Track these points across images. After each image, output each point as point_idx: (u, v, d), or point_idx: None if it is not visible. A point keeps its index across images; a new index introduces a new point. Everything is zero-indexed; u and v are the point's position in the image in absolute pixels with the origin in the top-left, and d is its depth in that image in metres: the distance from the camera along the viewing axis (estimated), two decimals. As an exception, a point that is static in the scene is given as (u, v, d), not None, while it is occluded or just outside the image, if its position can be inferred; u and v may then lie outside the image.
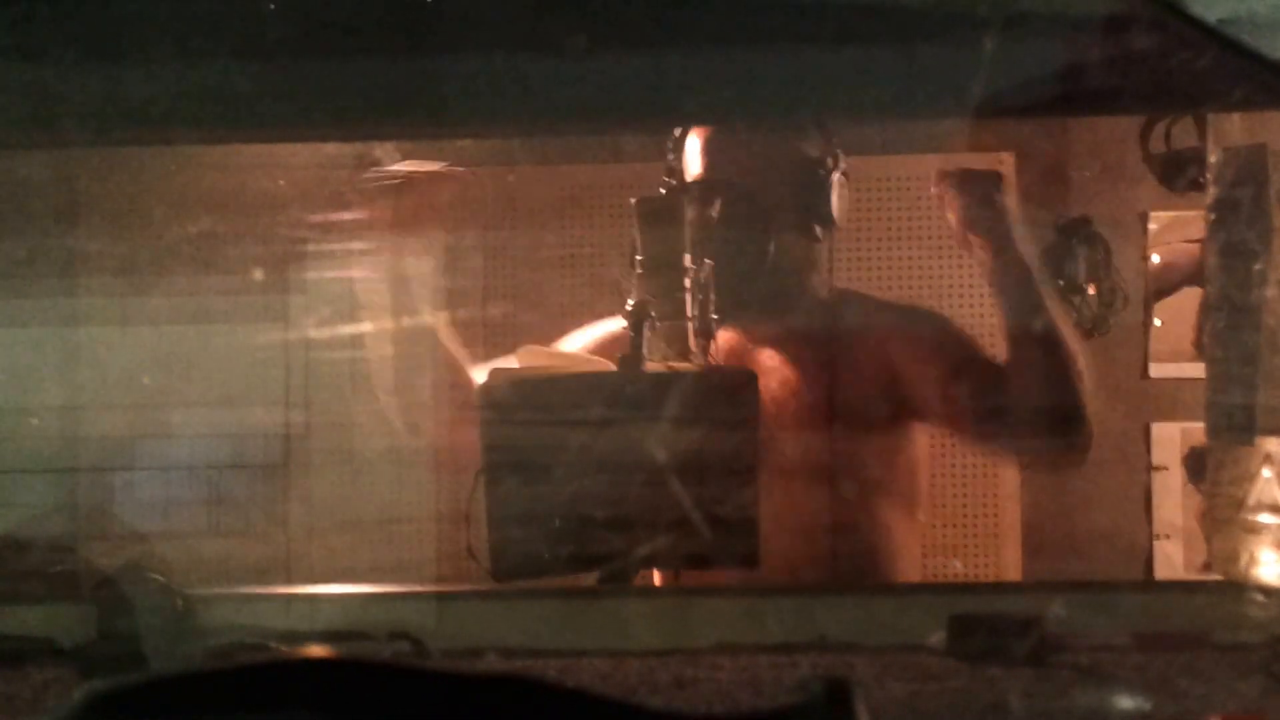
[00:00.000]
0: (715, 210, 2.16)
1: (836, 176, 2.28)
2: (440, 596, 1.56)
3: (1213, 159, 1.61)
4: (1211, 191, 1.60)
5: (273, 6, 1.50)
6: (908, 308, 2.69)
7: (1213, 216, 1.62)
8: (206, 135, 2.03)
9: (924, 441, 2.37)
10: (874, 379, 2.27)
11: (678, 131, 2.31)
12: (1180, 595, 1.70)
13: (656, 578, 2.03)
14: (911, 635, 1.42)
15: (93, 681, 0.60)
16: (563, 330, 2.43)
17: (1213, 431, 1.64)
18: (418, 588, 1.70)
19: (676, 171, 2.32)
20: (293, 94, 1.57)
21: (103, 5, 1.47)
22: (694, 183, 2.25)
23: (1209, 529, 1.68)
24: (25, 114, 1.52)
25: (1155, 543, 3.18)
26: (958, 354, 2.31)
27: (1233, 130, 1.60)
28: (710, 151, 2.26)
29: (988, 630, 1.39)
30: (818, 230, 2.29)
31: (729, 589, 1.72)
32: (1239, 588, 1.56)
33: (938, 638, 1.40)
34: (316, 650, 0.66)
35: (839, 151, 2.30)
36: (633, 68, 1.51)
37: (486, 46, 1.52)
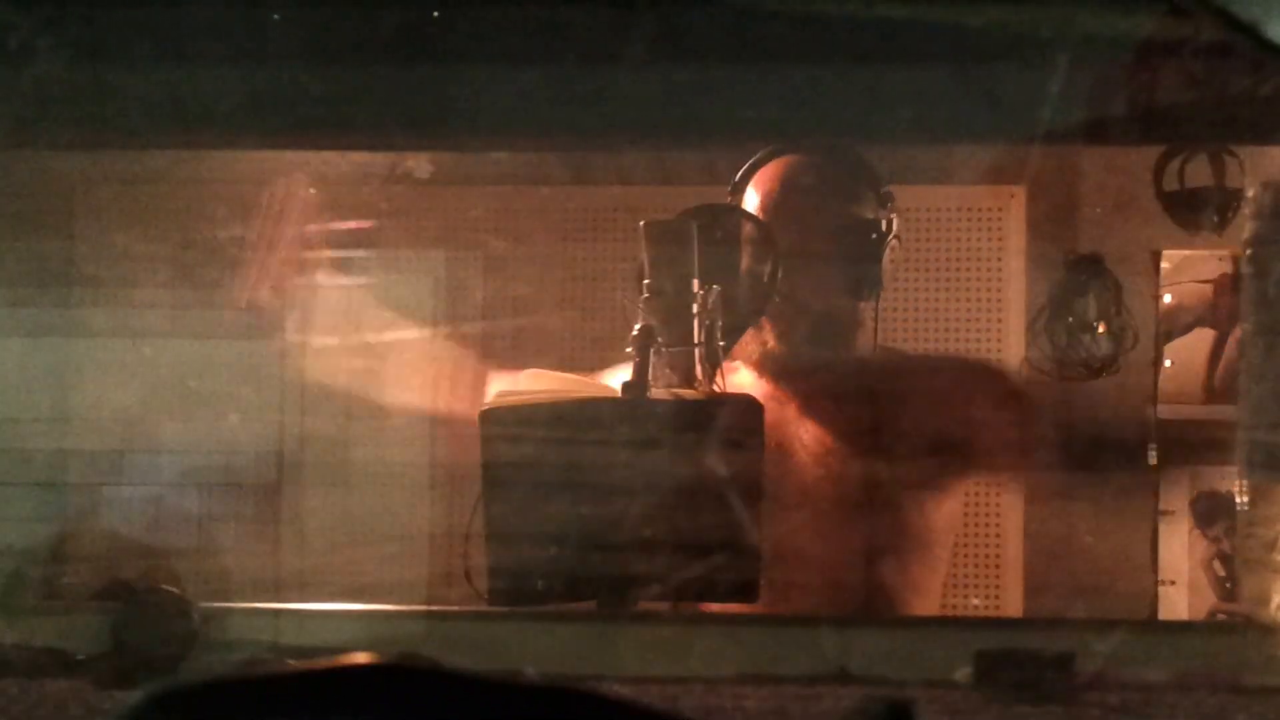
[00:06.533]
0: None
1: (891, 240, 2.27)
2: (455, 617, 1.54)
3: (1250, 193, 1.59)
4: (1249, 226, 1.58)
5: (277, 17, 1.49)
6: (954, 359, 2.71)
7: (1249, 252, 1.60)
8: (215, 141, 2.01)
9: (960, 503, 2.38)
10: (923, 434, 2.26)
11: (739, 176, 2.29)
12: (1210, 636, 1.68)
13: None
14: (935, 669, 1.39)
15: (152, 684, 0.57)
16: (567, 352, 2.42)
17: (1245, 470, 1.62)
18: (434, 607, 1.67)
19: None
20: (313, 103, 1.55)
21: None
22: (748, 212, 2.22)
23: (1239, 570, 1.66)
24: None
25: (1160, 589, 3.14)
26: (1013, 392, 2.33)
27: (1271, 164, 1.58)
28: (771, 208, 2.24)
29: (1016, 666, 1.36)
30: (866, 291, 2.27)
31: (751, 618, 1.69)
32: (1269, 630, 1.54)
33: (964, 672, 1.37)
34: (374, 656, 0.63)
35: (894, 216, 2.28)
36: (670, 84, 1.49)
37: (514, 60, 1.50)
